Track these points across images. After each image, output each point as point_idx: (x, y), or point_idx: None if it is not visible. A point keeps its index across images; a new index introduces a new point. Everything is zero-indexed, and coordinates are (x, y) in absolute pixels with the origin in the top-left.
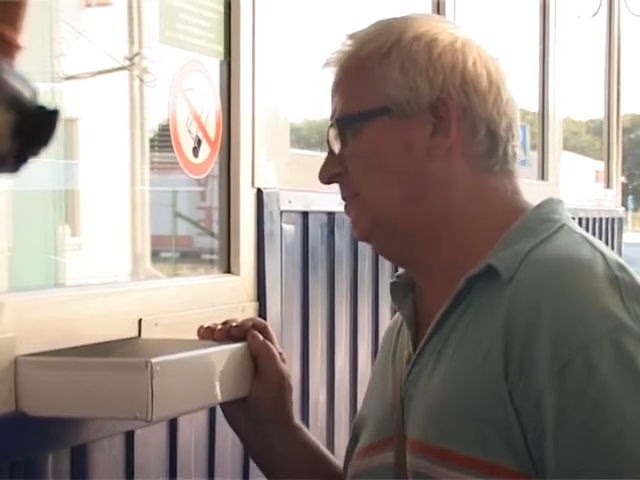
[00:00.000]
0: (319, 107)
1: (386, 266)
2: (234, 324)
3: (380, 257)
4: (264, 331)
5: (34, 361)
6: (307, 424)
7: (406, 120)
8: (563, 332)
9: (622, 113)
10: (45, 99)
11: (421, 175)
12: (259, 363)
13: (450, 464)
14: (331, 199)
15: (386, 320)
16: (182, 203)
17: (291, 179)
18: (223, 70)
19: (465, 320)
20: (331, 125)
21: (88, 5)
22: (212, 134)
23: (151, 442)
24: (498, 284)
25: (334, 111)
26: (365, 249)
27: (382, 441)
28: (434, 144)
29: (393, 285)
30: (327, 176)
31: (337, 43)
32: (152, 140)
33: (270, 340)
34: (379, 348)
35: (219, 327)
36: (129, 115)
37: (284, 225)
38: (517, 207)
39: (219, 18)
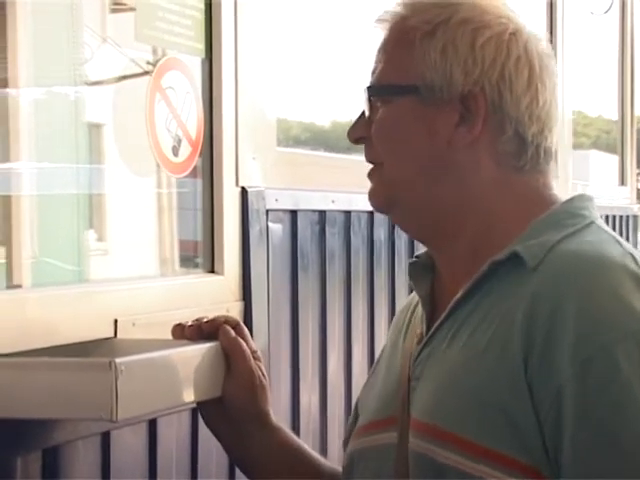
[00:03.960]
0: (309, 105)
1: (382, 266)
2: (205, 320)
3: (375, 256)
4: (236, 328)
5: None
6: (299, 427)
7: (434, 105)
8: (588, 327)
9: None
10: (69, 105)
11: (441, 161)
12: (230, 360)
13: (455, 448)
14: (322, 197)
15: (382, 320)
16: None
17: (278, 177)
18: (205, 68)
19: (485, 305)
20: (365, 89)
21: (113, 11)
22: (193, 133)
23: (129, 444)
24: (522, 272)
25: (372, 72)
26: (359, 248)
27: (385, 419)
28: (457, 135)
29: (412, 265)
30: (354, 137)
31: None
32: None
33: (243, 337)
34: (391, 327)
35: (189, 324)
36: None
37: (270, 224)
38: (546, 199)
39: (200, 16)
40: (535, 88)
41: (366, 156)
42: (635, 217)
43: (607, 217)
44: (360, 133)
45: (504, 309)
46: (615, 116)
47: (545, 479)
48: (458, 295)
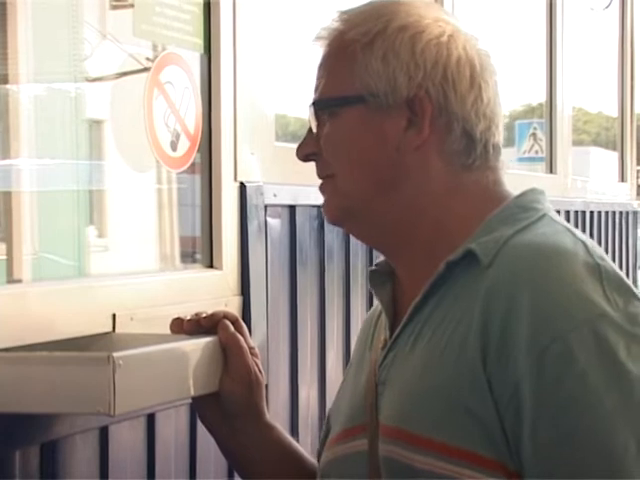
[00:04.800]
0: (308, 100)
1: None
2: (204, 315)
3: (375, 252)
4: (235, 324)
5: None
6: (297, 422)
7: (381, 112)
8: (543, 319)
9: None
10: (69, 101)
11: (392, 167)
12: (227, 355)
13: (425, 451)
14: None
15: None
16: None
17: (277, 173)
18: (203, 63)
19: (443, 305)
20: (311, 104)
21: (113, 7)
22: (192, 128)
23: (127, 439)
24: (477, 270)
25: (316, 89)
26: (357, 243)
27: (355, 427)
28: (405, 139)
29: (372, 273)
30: (303, 154)
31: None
32: None
33: (241, 333)
34: (357, 338)
35: (188, 318)
36: None
37: (269, 219)
38: (497, 196)
39: (198, 10)
40: (478, 86)
41: (318, 170)
42: (635, 213)
43: (607, 213)
44: (309, 149)
45: (461, 308)
46: (615, 113)
47: (511, 474)
48: (417, 298)
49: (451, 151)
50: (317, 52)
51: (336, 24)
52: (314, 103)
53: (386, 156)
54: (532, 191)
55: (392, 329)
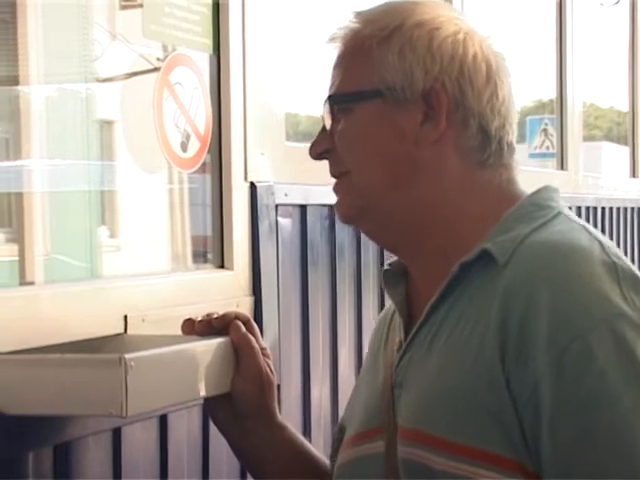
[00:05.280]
0: (318, 99)
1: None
2: (215, 316)
3: (385, 251)
4: (247, 324)
5: (10, 359)
6: (309, 421)
7: (398, 106)
8: (562, 318)
9: None
10: (80, 102)
11: (408, 161)
12: (239, 356)
13: (444, 452)
14: (331, 191)
15: None
16: None
17: (288, 172)
18: (213, 64)
19: (459, 306)
20: (325, 101)
21: (122, 7)
22: (202, 129)
23: (140, 440)
24: (493, 270)
25: (331, 86)
26: (369, 242)
27: (372, 430)
28: (422, 133)
29: (385, 272)
30: (316, 151)
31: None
32: None
33: (253, 334)
34: (370, 339)
35: (199, 319)
36: None
37: (280, 219)
38: (511, 195)
39: (207, 11)
40: (494, 83)
41: (332, 168)
42: None
43: (619, 209)
44: (323, 146)
45: (478, 308)
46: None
47: (530, 475)
48: (432, 299)
49: (467, 147)
50: (331, 52)
51: (352, 23)
52: (329, 98)
53: (403, 151)
54: (546, 189)
55: (407, 330)
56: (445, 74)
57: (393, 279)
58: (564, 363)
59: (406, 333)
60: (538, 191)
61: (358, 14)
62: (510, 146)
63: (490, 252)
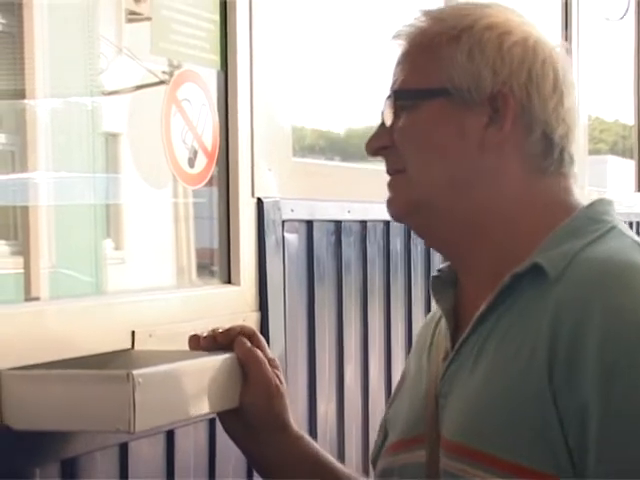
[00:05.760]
0: (324, 113)
1: (398, 275)
2: (220, 330)
3: (392, 267)
4: (252, 337)
5: (18, 375)
6: (316, 437)
7: (463, 106)
8: (612, 334)
9: None
10: (86, 115)
11: (470, 163)
12: (246, 370)
13: (488, 468)
14: (338, 207)
15: (399, 330)
16: None
17: (294, 188)
18: (220, 80)
19: (508, 318)
20: (388, 96)
21: (129, 21)
22: (209, 144)
23: (147, 455)
24: (544, 283)
25: (394, 82)
26: (375, 258)
27: (413, 438)
28: (486, 136)
29: (435, 279)
30: (374, 147)
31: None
32: None
33: (259, 346)
34: (413, 342)
35: (205, 335)
36: None
37: (286, 234)
38: (567, 206)
39: (215, 28)
40: (560, 92)
41: (388, 165)
42: None
43: (624, 223)
44: (383, 142)
45: (527, 322)
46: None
47: None
48: (481, 309)
49: (529, 153)
50: (394, 50)
51: (420, 21)
52: (394, 93)
53: (465, 152)
54: (601, 202)
55: (453, 338)
56: (513, 78)
57: (442, 286)
58: (613, 378)
59: (452, 342)
60: (593, 204)
61: (426, 13)
62: (571, 156)
63: (542, 266)
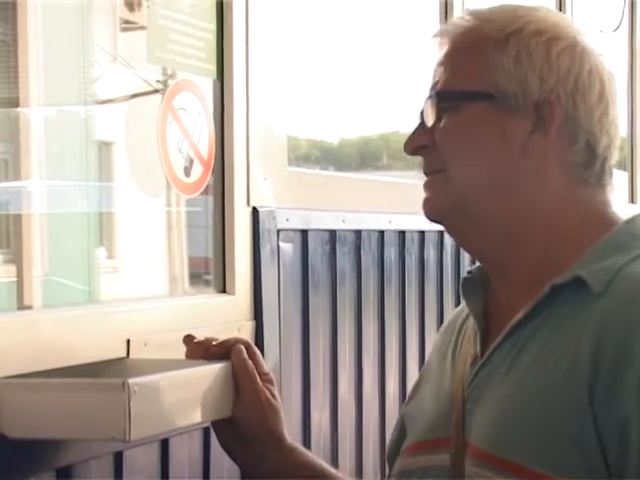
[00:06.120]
0: (317, 124)
1: (392, 285)
2: (215, 343)
3: (386, 275)
4: (248, 349)
5: (13, 383)
6: (309, 446)
7: (508, 112)
8: None
9: None
10: (79, 123)
11: (511, 169)
12: (237, 382)
13: (514, 477)
14: (332, 216)
15: (393, 339)
16: None
17: (289, 197)
18: (216, 89)
19: (546, 329)
20: (430, 96)
21: (123, 29)
22: (205, 153)
23: (141, 463)
24: (586, 297)
25: (436, 83)
26: (369, 267)
27: (435, 440)
28: (530, 142)
29: (465, 280)
30: (413, 147)
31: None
32: None
33: (253, 358)
34: (435, 344)
35: (197, 340)
36: None
37: (281, 243)
38: (607, 219)
39: (211, 37)
40: (606, 102)
41: (427, 165)
42: None
43: None
44: (423, 142)
45: (568, 336)
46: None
47: None
48: (517, 318)
49: (571, 162)
50: (434, 49)
51: (465, 21)
52: (437, 94)
53: (507, 157)
54: None
55: (483, 342)
56: (560, 86)
57: (471, 288)
58: None
59: (482, 347)
60: (634, 219)
61: (472, 12)
62: (611, 168)
63: (584, 280)
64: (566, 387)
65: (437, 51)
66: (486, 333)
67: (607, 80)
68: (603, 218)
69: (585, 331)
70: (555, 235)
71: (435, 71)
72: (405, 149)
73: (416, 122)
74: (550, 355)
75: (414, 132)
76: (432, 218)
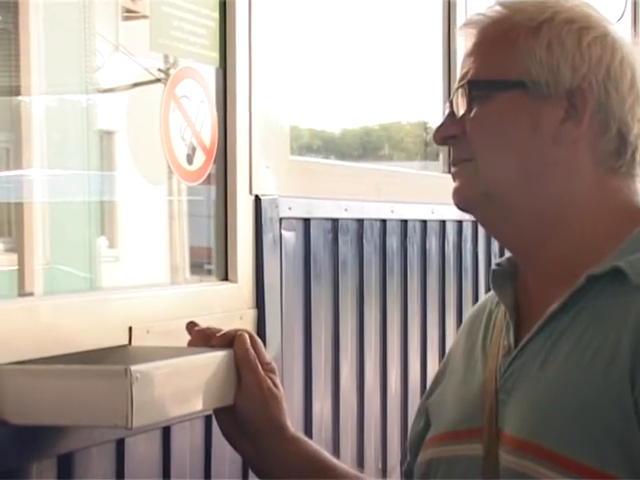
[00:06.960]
0: (319, 114)
1: (394, 273)
2: (218, 334)
3: (388, 264)
4: (250, 339)
5: (15, 369)
6: (311, 435)
7: (540, 100)
8: None
9: None
10: (81, 112)
11: (542, 158)
12: (239, 372)
13: (559, 468)
14: (334, 205)
15: (394, 327)
16: None
17: (292, 186)
18: (219, 77)
19: (582, 320)
20: (460, 86)
21: (125, 18)
22: (207, 141)
23: (143, 451)
24: (625, 289)
25: (466, 73)
26: (372, 256)
27: (466, 430)
28: (562, 131)
29: (494, 272)
30: (442, 136)
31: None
32: None
33: (256, 348)
34: (459, 334)
35: (198, 328)
36: None
37: (284, 232)
38: (638, 209)
39: (214, 25)
40: (637, 90)
41: (456, 154)
42: None
43: None
44: (453, 131)
45: (607, 327)
46: None
47: None
48: (553, 308)
49: (603, 151)
50: (463, 39)
51: (494, 11)
52: (469, 83)
53: (538, 146)
54: None
55: (516, 333)
56: (592, 75)
57: (501, 279)
58: None
59: (516, 338)
60: None
61: (501, 3)
62: None
63: (623, 270)
64: (607, 380)
65: (465, 42)
66: (518, 324)
67: (638, 69)
68: (634, 208)
69: (625, 323)
70: (586, 225)
71: (464, 61)
72: (435, 139)
73: (445, 112)
74: (588, 346)
75: (444, 122)
76: (461, 207)
